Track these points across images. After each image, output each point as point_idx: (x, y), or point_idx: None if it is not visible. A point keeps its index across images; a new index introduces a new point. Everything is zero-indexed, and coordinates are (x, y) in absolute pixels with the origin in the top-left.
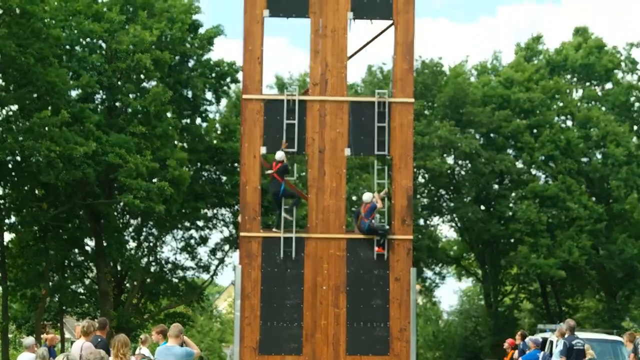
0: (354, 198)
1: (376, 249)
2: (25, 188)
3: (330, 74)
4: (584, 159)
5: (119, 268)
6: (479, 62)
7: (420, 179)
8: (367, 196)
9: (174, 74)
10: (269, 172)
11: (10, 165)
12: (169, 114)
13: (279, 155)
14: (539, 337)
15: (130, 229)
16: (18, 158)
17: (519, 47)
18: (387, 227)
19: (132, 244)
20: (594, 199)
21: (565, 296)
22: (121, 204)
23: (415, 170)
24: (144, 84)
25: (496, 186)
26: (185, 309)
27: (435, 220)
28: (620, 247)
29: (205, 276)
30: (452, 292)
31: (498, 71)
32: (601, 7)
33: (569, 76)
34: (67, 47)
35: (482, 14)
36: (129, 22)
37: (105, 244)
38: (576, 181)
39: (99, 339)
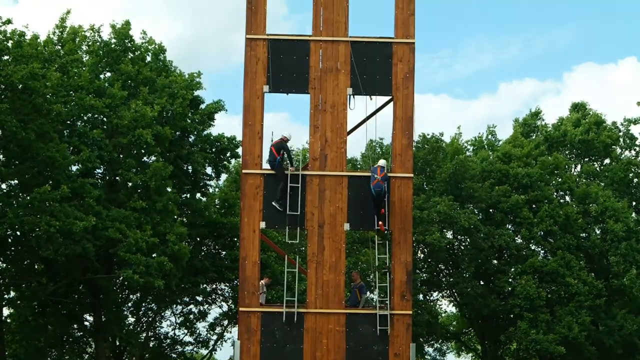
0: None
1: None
2: (25, 263)
3: (330, 149)
4: (583, 235)
5: (117, 343)
6: (474, 138)
7: (420, 254)
8: (383, 161)
9: (174, 148)
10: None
11: (10, 240)
12: (169, 189)
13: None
14: None
15: (130, 304)
16: (18, 233)
17: (517, 122)
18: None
19: (131, 319)
20: (593, 274)
21: None
22: (120, 278)
23: (414, 245)
24: (145, 159)
25: (495, 261)
26: None
27: (435, 295)
28: (620, 323)
29: (204, 351)
30: None
31: (495, 146)
32: (601, 83)
33: (567, 152)
34: (68, 122)
35: (484, 90)
36: (131, 97)
37: (104, 319)
38: (575, 257)
39: None
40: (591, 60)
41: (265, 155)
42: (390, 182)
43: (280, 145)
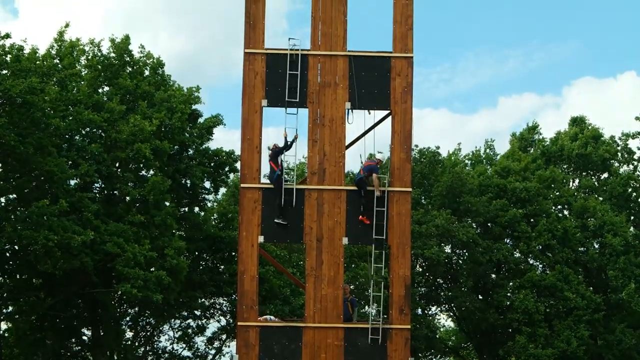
0: (351, 287)
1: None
2: (23, 277)
3: (328, 163)
4: (581, 249)
5: (115, 358)
6: (472, 152)
7: (418, 268)
8: (382, 156)
9: (172, 163)
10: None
11: (8, 254)
12: (167, 203)
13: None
14: None
15: (128, 318)
16: (16, 247)
17: (515, 136)
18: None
19: (129, 334)
20: (591, 288)
21: None
22: (119, 293)
23: (412, 259)
24: (143, 173)
25: (493, 275)
26: None
27: (433, 309)
28: (619, 337)
29: None
30: None
31: (493, 160)
32: (600, 98)
33: (565, 166)
34: (67, 136)
35: (483, 105)
36: (129, 111)
37: (102, 334)
38: (573, 271)
39: None
40: (590, 75)
41: (264, 169)
42: (389, 196)
43: (274, 154)
